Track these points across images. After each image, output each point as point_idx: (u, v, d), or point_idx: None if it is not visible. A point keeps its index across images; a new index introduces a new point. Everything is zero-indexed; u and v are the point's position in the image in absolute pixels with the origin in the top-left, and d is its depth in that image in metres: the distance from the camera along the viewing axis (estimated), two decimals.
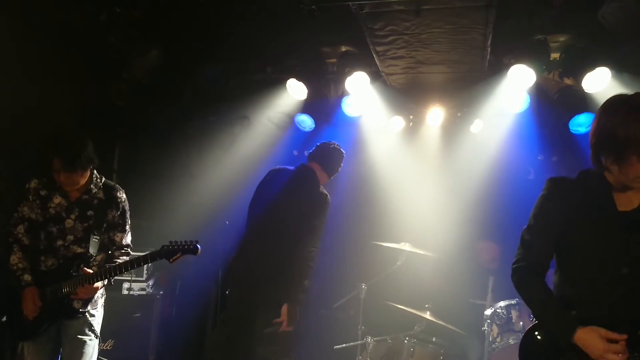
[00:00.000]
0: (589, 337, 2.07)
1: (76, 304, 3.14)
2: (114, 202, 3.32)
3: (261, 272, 3.60)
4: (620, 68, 4.26)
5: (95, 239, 3.22)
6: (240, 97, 5.35)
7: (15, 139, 3.92)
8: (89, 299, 3.19)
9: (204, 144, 5.72)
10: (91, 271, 3.10)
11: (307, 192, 3.72)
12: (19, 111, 3.91)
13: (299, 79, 5.00)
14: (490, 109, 4.91)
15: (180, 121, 5.67)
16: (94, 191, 3.27)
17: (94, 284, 3.09)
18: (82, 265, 3.13)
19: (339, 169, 3.99)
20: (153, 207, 4.98)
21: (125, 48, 4.35)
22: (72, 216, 3.19)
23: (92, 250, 3.21)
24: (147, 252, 3.12)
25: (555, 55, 4.54)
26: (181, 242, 3.10)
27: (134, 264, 3.13)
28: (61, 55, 4.32)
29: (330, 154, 3.93)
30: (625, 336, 2.04)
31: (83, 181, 3.21)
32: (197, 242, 3.11)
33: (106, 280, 3.16)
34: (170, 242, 3.10)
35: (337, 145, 3.97)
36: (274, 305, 3.59)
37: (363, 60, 4.77)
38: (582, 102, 4.61)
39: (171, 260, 3.09)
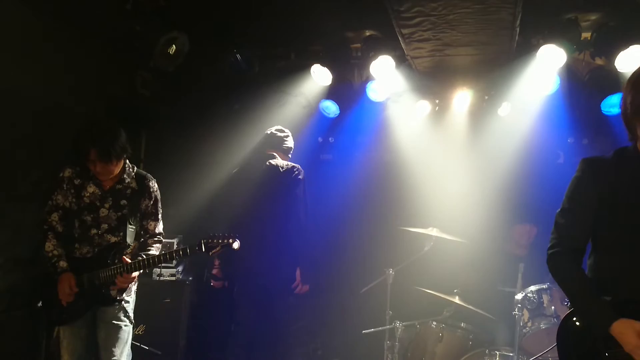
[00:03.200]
0: (624, 331, 2.03)
1: (113, 292, 3.20)
2: (147, 191, 3.37)
3: (268, 259, 4.04)
4: None
5: (132, 228, 3.27)
6: (265, 84, 5.34)
7: (45, 130, 3.98)
8: (125, 288, 3.25)
9: (228, 132, 5.74)
10: (130, 260, 3.14)
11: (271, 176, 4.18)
12: (47, 102, 3.97)
13: (323, 64, 4.97)
14: (518, 91, 4.81)
15: (205, 109, 5.69)
16: (127, 181, 3.31)
17: (132, 273, 3.14)
18: (120, 255, 3.18)
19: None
20: (180, 195, 5.03)
21: (151, 37, 4.37)
22: (106, 205, 3.24)
23: (129, 240, 3.27)
24: (187, 246, 3.17)
25: (586, 35, 4.42)
26: (220, 235, 3.12)
27: (173, 256, 3.18)
28: (87, 46, 4.35)
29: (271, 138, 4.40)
30: None
31: (117, 170, 3.26)
32: (236, 235, 3.14)
33: (142, 270, 3.22)
34: (210, 235, 3.13)
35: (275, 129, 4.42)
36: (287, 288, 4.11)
37: (388, 44, 4.71)
38: (615, 82, 4.48)
39: (210, 254, 3.12)
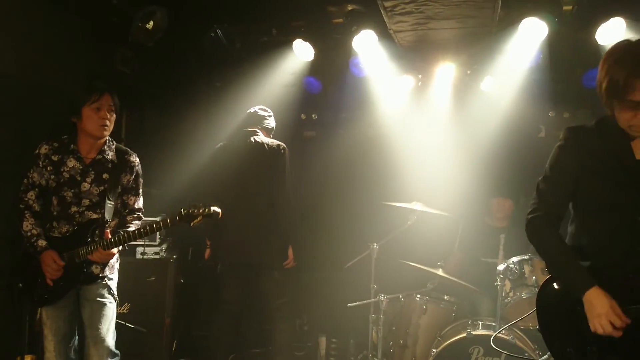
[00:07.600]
0: (599, 297, 2.07)
1: (95, 269, 3.16)
2: (128, 165, 3.32)
3: (253, 235, 4.12)
4: (636, 18, 4.14)
5: (110, 204, 3.21)
6: (247, 60, 5.28)
7: (21, 108, 3.89)
8: (106, 264, 3.22)
9: (210, 110, 5.68)
10: (110, 236, 3.10)
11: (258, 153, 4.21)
12: (23, 80, 3.88)
13: (305, 39, 4.93)
14: (500, 65, 4.83)
15: (187, 87, 5.61)
16: (108, 153, 3.26)
17: (111, 249, 3.10)
18: (99, 231, 3.13)
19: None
20: (162, 175, 4.97)
21: (129, 11, 4.27)
22: (88, 179, 3.18)
23: (108, 216, 3.20)
24: (167, 216, 3.09)
25: (567, 7, 4.42)
26: (201, 205, 3.07)
27: (154, 228, 3.08)
28: (64, 22, 4.25)
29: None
30: (629, 321, 2.04)
31: (109, 125, 3.21)
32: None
33: (121, 246, 3.18)
34: (190, 205, 3.06)
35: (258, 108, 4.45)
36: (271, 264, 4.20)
37: (370, 18, 4.66)
38: (596, 55, 4.49)
39: (192, 224, 3.05)
